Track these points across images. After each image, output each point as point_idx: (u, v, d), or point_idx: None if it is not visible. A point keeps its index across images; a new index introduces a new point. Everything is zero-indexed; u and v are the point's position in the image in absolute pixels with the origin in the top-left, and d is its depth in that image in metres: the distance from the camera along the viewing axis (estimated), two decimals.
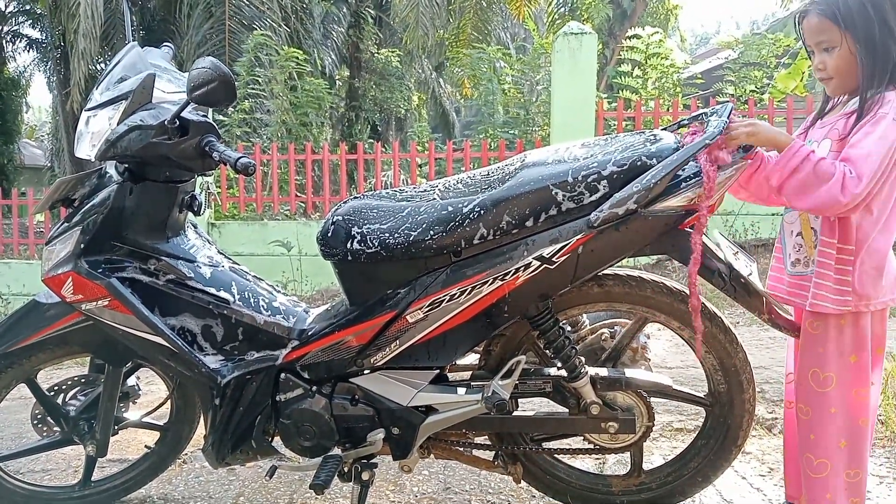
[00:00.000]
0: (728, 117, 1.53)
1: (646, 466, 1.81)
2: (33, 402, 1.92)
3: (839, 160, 1.43)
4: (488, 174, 1.69)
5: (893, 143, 1.41)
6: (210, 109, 1.91)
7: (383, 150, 6.55)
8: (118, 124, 1.65)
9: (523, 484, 1.82)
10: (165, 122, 1.61)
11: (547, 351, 1.68)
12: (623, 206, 1.47)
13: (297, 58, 7.39)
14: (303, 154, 6.24)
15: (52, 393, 1.91)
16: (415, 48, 12.25)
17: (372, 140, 10.79)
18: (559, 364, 1.65)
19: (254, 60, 7.46)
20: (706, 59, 15.45)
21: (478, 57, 8.85)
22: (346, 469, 1.71)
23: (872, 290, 1.50)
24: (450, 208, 1.58)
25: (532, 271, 1.54)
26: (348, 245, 1.62)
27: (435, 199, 1.65)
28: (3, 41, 12.96)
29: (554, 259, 1.52)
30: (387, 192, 1.76)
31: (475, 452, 1.79)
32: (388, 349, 1.65)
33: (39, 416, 1.93)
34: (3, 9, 13.27)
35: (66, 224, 1.74)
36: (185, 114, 1.64)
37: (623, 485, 1.80)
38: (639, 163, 1.50)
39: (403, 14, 11.45)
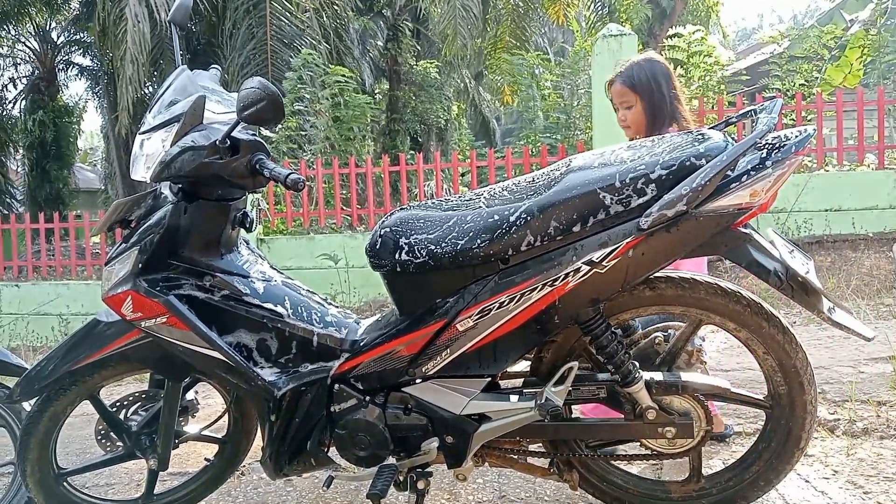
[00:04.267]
0: (778, 113, 1.51)
1: (705, 472, 1.77)
2: (97, 418, 1.98)
3: None
4: (533, 180, 1.69)
5: None
6: (259, 128, 1.96)
7: (425, 160, 6.59)
8: (171, 146, 1.70)
9: (580, 491, 1.80)
10: (217, 142, 1.65)
11: (599, 356, 1.66)
12: (673, 208, 1.45)
13: (343, 75, 7.50)
14: (347, 168, 6.32)
15: (114, 409, 1.97)
16: (453, 58, 12.32)
17: (413, 151, 10.86)
18: (612, 369, 1.63)
19: (297, 79, 7.60)
20: (750, 55, 15.14)
21: (517, 63, 8.84)
22: (401, 478, 1.72)
23: None
24: (496, 216, 1.58)
25: (581, 276, 1.52)
26: (396, 256, 1.64)
27: (481, 207, 1.66)
28: (57, 70, 13.46)
29: (604, 263, 1.51)
30: (433, 202, 1.77)
31: (530, 460, 1.78)
32: (438, 358, 1.65)
33: (103, 432, 1.98)
34: (56, 39, 13.81)
35: (124, 244, 1.80)
36: (235, 133, 1.68)
37: (682, 491, 1.77)
38: (687, 163, 1.48)
39: (441, 25, 11.54)
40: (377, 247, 1.68)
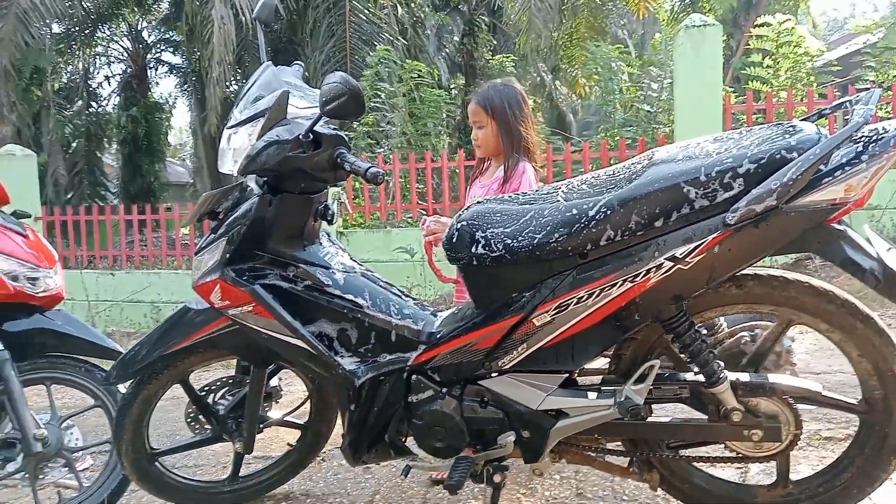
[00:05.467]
0: (874, 105, 1.43)
1: (793, 477, 1.71)
2: (186, 401, 2.07)
3: None
4: (614, 174, 1.66)
5: None
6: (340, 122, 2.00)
7: None
8: (257, 140, 1.76)
9: (659, 491, 1.77)
10: (300, 137, 1.70)
11: (682, 355, 1.62)
12: (762, 203, 1.40)
13: (420, 71, 7.56)
14: (423, 163, 6.37)
15: (203, 393, 2.06)
16: (528, 51, 12.21)
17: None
18: (696, 369, 1.59)
19: (374, 75, 7.70)
20: (841, 45, 14.39)
21: (594, 56, 8.68)
22: (478, 470, 1.73)
23: None
24: (574, 210, 1.56)
25: (664, 272, 1.49)
26: (473, 249, 1.64)
27: (559, 200, 1.64)
28: (148, 68, 14.10)
29: (688, 259, 1.47)
30: (509, 196, 1.77)
31: (608, 458, 1.75)
32: (515, 352, 1.65)
33: (192, 415, 2.08)
34: (147, 38, 14.46)
35: (212, 235, 1.87)
36: (317, 127, 1.72)
37: (768, 496, 1.70)
38: (777, 156, 1.43)
39: (516, 18, 11.45)
40: (453, 240, 1.69)
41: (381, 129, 7.54)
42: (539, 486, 2.12)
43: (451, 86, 14.63)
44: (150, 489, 2.08)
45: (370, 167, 1.62)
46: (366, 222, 6.38)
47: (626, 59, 8.81)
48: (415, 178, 6.37)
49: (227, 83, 9.87)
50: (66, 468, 2.22)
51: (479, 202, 1.78)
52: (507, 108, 2.27)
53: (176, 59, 14.70)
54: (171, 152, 18.76)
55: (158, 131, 13.49)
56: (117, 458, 2.07)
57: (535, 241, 1.58)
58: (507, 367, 1.67)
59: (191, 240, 7.09)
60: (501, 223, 1.64)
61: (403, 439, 1.84)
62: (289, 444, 2.23)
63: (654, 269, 1.49)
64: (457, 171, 6.44)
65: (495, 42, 14.50)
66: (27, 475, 2.18)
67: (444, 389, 1.74)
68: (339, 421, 2.07)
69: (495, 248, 1.62)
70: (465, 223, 1.68)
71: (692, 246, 1.47)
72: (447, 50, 14.50)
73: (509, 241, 1.60)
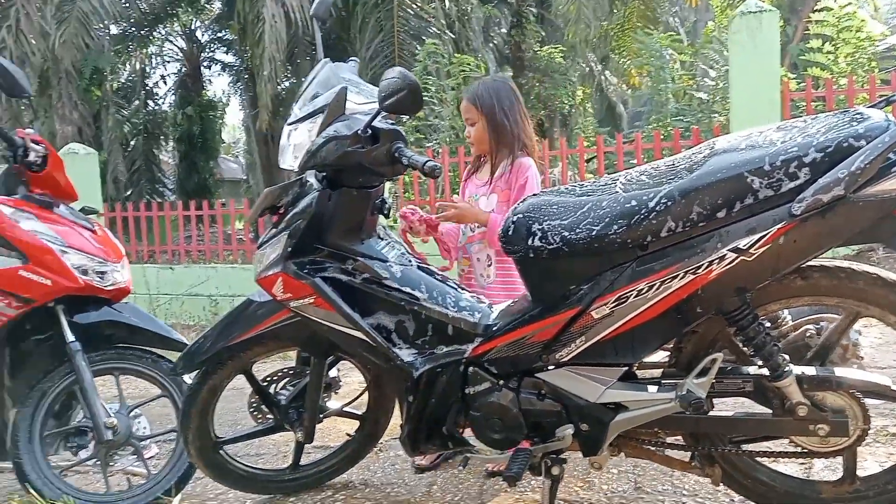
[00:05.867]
0: None
1: (860, 473, 1.66)
2: (247, 392, 2.13)
3: None
4: (674, 164, 1.64)
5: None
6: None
7: (549, 147, 6.52)
8: (317, 136, 1.79)
9: (721, 486, 1.74)
10: (359, 132, 1.72)
11: (745, 348, 1.59)
12: (829, 193, 1.37)
13: (469, 64, 7.56)
14: (471, 156, 6.37)
15: (265, 383, 2.11)
16: (578, 42, 12.07)
17: (537, 138, 10.77)
18: (760, 362, 1.56)
19: (423, 69, 7.72)
20: None
21: (647, 45, 8.54)
22: (536, 462, 1.73)
23: None
24: (633, 201, 1.55)
25: (727, 264, 1.47)
26: (529, 242, 1.64)
27: (617, 192, 1.63)
28: (201, 67, 14.43)
29: (751, 251, 1.45)
30: (566, 188, 1.76)
31: (669, 452, 1.74)
32: (573, 345, 1.65)
33: (255, 405, 2.14)
34: (200, 38, 14.79)
35: (274, 230, 1.91)
36: (375, 122, 1.74)
37: (834, 492, 1.66)
38: (845, 144, 1.39)
39: (564, 9, 11.33)
40: (509, 233, 1.69)
41: (429, 123, 7.56)
42: (597, 479, 2.12)
43: None
44: (214, 476, 2.15)
45: (428, 161, 1.64)
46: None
47: (678, 48, 8.63)
48: (464, 170, 6.37)
49: (279, 81, 10.02)
50: (135, 456, 2.31)
51: (534, 194, 1.78)
52: (495, 102, 2.26)
53: (228, 58, 15.00)
54: (224, 149, 19.15)
55: (213, 129, 13.80)
56: (183, 447, 2.14)
57: (594, 233, 1.57)
58: (565, 359, 1.67)
59: (245, 235, 7.25)
60: (559, 215, 1.63)
61: (461, 431, 1.85)
62: (347, 435, 2.27)
63: (716, 261, 1.47)
64: None
65: (543, 33, 14.37)
66: (98, 462, 2.27)
67: (501, 382, 1.75)
68: (396, 412, 2.10)
69: (552, 241, 1.61)
70: (521, 216, 1.68)
71: (756, 237, 1.44)
72: (495, 42, 14.43)
73: (567, 234, 1.60)
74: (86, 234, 2.35)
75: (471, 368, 1.78)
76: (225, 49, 14.76)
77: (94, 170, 7.00)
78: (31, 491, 2.14)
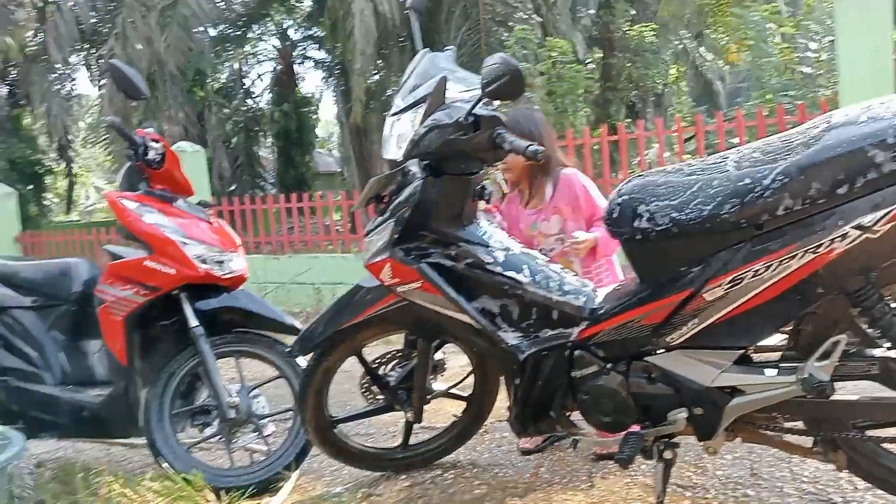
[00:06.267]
0: None
1: None
2: (354, 375, 2.20)
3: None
4: (788, 139, 1.58)
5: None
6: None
7: (646, 128, 6.36)
8: (419, 126, 1.83)
9: (844, 473, 1.67)
10: (460, 120, 1.75)
11: (870, 330, 1.52)
12: None
13: (560, 47, 7.46)
14: (563, 140, 6.30)
15: (375, 365, 2.19)
16: (670, 19, 11.66)
17: (629, 120, 10.51)
18: (887, 344, 1.49)
19: (512, 56, 7.69)
20: None
21: (745, 18, 8.16)
22: (648, 446, 1.72)
23: None
24: (747, 179, 1.51)
25: (850, 242, 1.41)
26: (636, 223, 1.63)
27: (729, 170, 1.59)
28: (295, 64, 14.88)
29: (876, 228, 1.38)
30: (672, 168, 1.73)
31: (787, 437, 1.68)
32: (684, 328, 1.62)
33: (366, 386, 2.22)
34: (292, 36, 15.25)
35: (381, 218, 1.97)
36: (475, 109, 1.76)
37: None
38: None
39: None
40: (614, 214, 1.68)
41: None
42: (710, 464, 2.08)
43: (588, 60, 14.28)
44: (330, 454, 2.25)
45: (530, 145, 1.64)
46: None
47: (778, 21, 8.20)
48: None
49: (370, 74, 10.20)
50: (255, 433, 2.44)
51: (639, 175, 1.76)
52: (533, 130, 2.27)
53: (320, 55, 15.42)
54: (320, 144, 19.74)
55: (308, 124, 14.23)
56: (301, 425, 2.25)
57: (705, 213, 1.54)
58: (677, 342, 1.65)
59: (343, 226, 7.46)
60: (666, 196, 1.61)
61: (568, 413, 1.87)
62: (454, 416, 2.32)
63: (838, 239, 1.41)
64: (598, 147, 6.31)
65: (633, 12, 13.96)
66: (222, 439, 2.42)
67: (609, 365, 1.75)
68: (501, 394, 2.13)
69: (660, 222, 1.59)
70: (626, 197, 1.67)
71: (881, 213, 1.38)
72: (583, 23, 14.14)
73: (675, 214, 1.57)
74: (203, 225, 2.50)
75: (577, 352, 1.79)
76: (316, 46, 15.16)
77: (201, 166, 7.37)
78: (164, 465, 2.31)
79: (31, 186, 12.66)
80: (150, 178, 2.52)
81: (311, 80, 19.40)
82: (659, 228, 1.60)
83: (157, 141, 2.50)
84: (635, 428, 1.74)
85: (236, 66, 14.64)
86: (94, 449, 3.09)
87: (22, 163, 12.27)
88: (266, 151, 15.28)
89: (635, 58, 13.19)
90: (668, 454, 1.70)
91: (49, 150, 13.88)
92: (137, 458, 2.90)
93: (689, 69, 16.01)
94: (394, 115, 1.98)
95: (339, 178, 16.39)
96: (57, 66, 11.47)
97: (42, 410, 2.61)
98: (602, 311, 1.77)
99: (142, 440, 2.61)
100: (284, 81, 14.11)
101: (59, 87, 11.72)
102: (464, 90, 1.93)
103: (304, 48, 15.38)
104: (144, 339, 2.49)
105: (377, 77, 11.85)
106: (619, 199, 1.67)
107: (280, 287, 6.59)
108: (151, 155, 2.47)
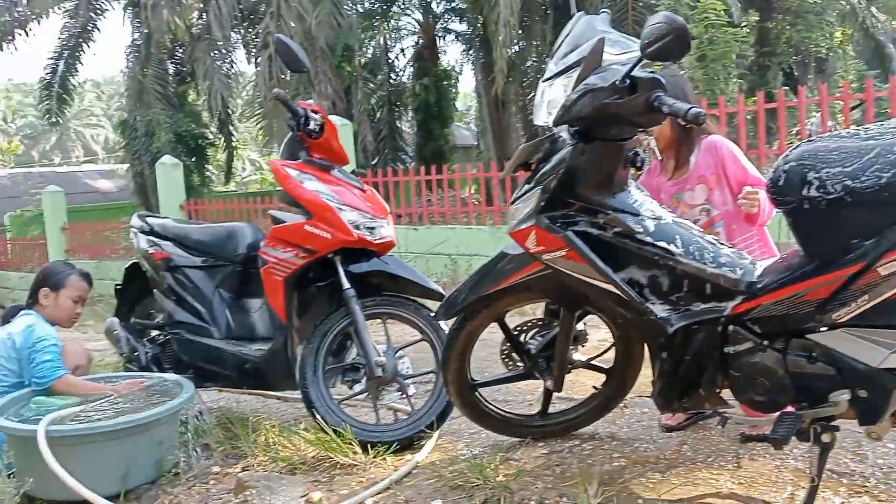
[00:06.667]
0: None
1: None
2: (487, 341, 2.23)
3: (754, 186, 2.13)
4: None
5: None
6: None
7: (808, 95, 5.89)
8: (572, 90, 1.80)
9: None
10: (616, 83, 1.70)
11: None
12: None
13: (714, 9, 7.06)
14: (716, 108, 5.97)
15: (516, 332, 2.21)
16: None
17: (786, 87, 9.78)
18: None
19: None
20: None
21: None
22: (803, 428, 1.63)
23: None
24: None
25: None
26: (804, 192, 1.53)
27: None
28: (436, 38, 15.03)
29: None
30: (847, 132, 1.60)
31: None
32: (853, 305, 1.52)
33: (506, 352, 2.25)
34: (435, 9, 15.38)
35: (527, 185, 1.97)
36: (633, 72, 1.70)
37: None
38: None
39: None
40: (780, 182, 1.58)
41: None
42: (871, 452, 1.94)
43: (743, 24, 13.38)
44: (470, 416, 2.31)
45: (691, 107, 1.57)
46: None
47: None
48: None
49: (513, 45, 10.12)
50: (399, 393, 2.55)
51: (808, 140, 1.64)
52: (681, 96, 2.03)
53: (461, 27, 15.48)
54: (458, 117, 19.92)
55: (447, 97, 14.37)
56: (443, 386, 2.33)
57: (883, 181, 1.42)
58: (843, 320, 1.55)
59: (482, 198, 7.53)
60: (840, 162, 1.50)
61: (718, 390, 1.80)
62: (594, 388, 2.30)
63: None
64: (752, 115, 5.94)
65: None
66: (369, 396, 2.55)
67: (766, 342, 1.67)
68: (643, 369, 2.09)
69: (832, 190, 1.49)
70: (794, 163, 1.57)
71: None
72: None
73: (849, 182, 1.46)
74: (357, 193, 2.62)
75: (731, 327, 1.72)
76: (458, 18, 15.23)
77: (348, 139, 7.69)
78: (317, 417, 2.46)
79: (194, 158, 13.70)
80: (310, 147, 2.67)
81: (451, 54, 19.58)
82: (830, 197, 1.49)
83: (316, 112, 2.63)
84: (789, 409, 1.65)
85: (381, 40, 15.01)
86: (252, 401, 3.35)
87: (187, 136, 13.28)
88: (406, 125, 15.62)
89: (796, 20, 12.24)
90: (826, 437, 1.61)
91: (210, 124, 14.96)
92: (290, 411, 3.12)
93: (857, 31, 14.61)
94: (546, 80, 1.96)
95: (476, 151, 16.48)
96: (218, 43, 12.28)
97: (209, 362, 2.87)
98: (761, 285, 1.68)
99: (295, 394, 2.80)
100: (426, 55, 14.31)
101: (220, 64, 12.54)
102: (620, 53, 1.88)
103: (447, 21, 15.49)
104: (301, 299, 2.66)
105: (516, 48, 11.75)
106: (787, 166, 1.57)
107: (418, 257, 6.78)
108: (311, 125, 2.61)
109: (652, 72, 1.75)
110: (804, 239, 1.61)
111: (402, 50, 15.67)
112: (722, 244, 1.85)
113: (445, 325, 2.41)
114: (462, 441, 2.46)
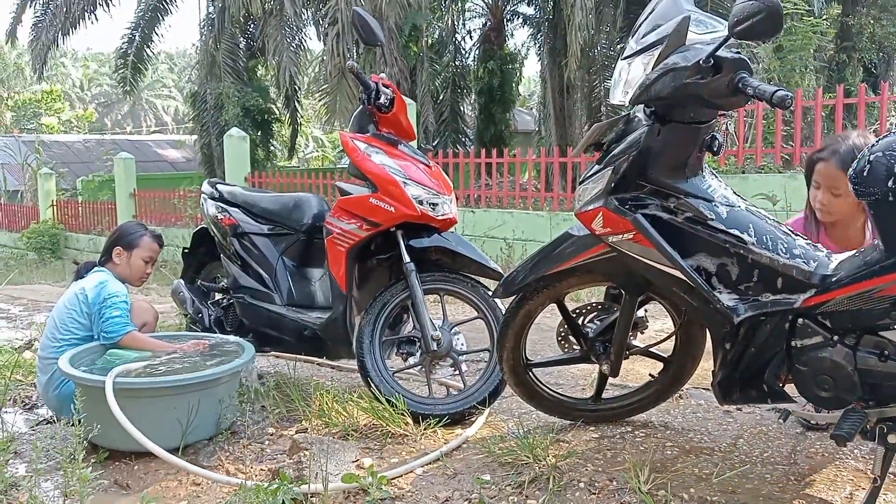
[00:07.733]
0: None
1: None
2: (548, 326, 2.22)
3: None
4: None
5: None
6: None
7: (890, 91, 5.63)
8: (653, 69, 1.76)
9: None
10: (700, 62, 1.65)
11: None
12: None
13: (793, 1, 6.81)
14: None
15: (575, 315, 2.19)
16: None
17: (866, 84, 9.36)
18: None
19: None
20: None
21: None
22: (869, 427, 1.59)
23: None
24: None
25: None
26: (889, 183, 1.47)
27: None
28: (504, 20, 14.90)
29: None
30: None
31: None
32: None
33: (563, 334, 2.23)
34: None
35: (597, 166, 1.95)
36: (718, 52, 1.65)
37: None
38: None
39: None
40: (864, 173, 1.52)
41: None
42: None
43: (824, 17, 12.84)
44: (522, 395, 2.31)
45: (778, 90, 1.51)
46: (720, 167, 6.03)
47: None
48: (780, 118, 5.81)
49: (589, 29, 9.94)
50: (452, 368, 2.57)
51: (894, 132, 1.57)
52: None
53: (530, 11, 15.30)
54: (520, 102, 19.75)
55: (511, 81, 14.26)
56: (496, 364, 2.33)
57: None
58: None
59: (529, 184, 7.49)
60: None
61: (781, 384, 1.76)
62: (650, 375, 2.27)
63: None
64: (827, 111, 5.71)
65: None
66: (423, 369, 2.58)
67: (836, 337, 1.62)
68: (702, 360, 2.05)
69: None
70: (880, 154, 1.51)
71: None
72: None
73: None
74: (422, 168, 2.63)
75: (800, 320, 1.67)
76: (527, 1, 15.07)
77: (412, 120, 7.71)
78: (371, 386, 2.50)
79: (259, 132, 13.98)
80: (379, 121, 2.69)
81: (518, 37, 19.42)
82: None
83: (387, 87, 2.65)
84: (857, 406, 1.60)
85: (449, 21, 14.97)
86: (308, 368, 3.42)
87: (254, 110, 13.55)
88: (468, 108, 15.57)
89: (881, 14, 11.71)
90: (892, 438, 1.55)
91: (277, 99, 15.22)
92: (344, 379, 3.18)
93: None
94: (625, 58, 1.91)
95: (536, 136, 16.31)
96: (289, 20, 12.44)
97: (270, 327, 2.94)
98: (835, 279, 1.63)
99: (350, 364, 2.84)
100: (493, 38, 14.21)
101: (289, 40, 12.71)
102: (705, 32, 1.82)
103: (515, 4, 15.34)
104: (362, 271, 2.70)
105: (586, 34, 11.55)
106: (872, 156, 1.51)
107: (474, 240, 6.79)
108: (382, 99, 2.63)
109: (738, 52, 1.70)
110: (886, 232, 1.55)
111: (469, 32, 15.61)
112: (797, 235, 1.79)
113: (502, 305, 2.42)
114: (512, 419, 2.46)
